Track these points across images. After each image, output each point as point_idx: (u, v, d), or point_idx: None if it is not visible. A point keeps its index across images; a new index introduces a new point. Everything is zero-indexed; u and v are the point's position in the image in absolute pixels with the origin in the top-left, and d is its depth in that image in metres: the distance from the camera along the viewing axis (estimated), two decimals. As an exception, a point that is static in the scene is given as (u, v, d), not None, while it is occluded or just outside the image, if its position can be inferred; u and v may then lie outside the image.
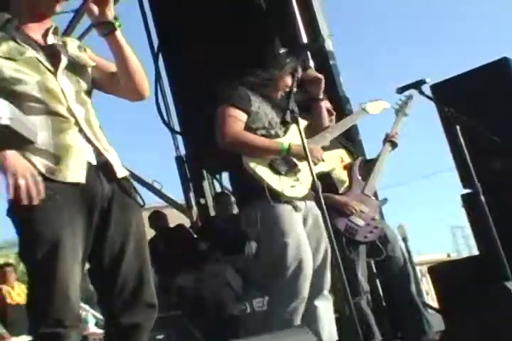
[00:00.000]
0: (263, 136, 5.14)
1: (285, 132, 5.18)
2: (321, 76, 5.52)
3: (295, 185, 5.04)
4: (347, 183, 6.05)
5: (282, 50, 5.49)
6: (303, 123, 5.12)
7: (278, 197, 4.96)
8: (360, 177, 6.13)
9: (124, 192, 3.55)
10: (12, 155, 3.16)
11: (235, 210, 10.25)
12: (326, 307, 5.18)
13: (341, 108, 8.38)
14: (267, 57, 5.56)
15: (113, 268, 3.44)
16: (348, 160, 6.20)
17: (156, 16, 11.65)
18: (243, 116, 5.11)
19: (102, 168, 3.49)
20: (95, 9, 3.43)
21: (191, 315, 8.09)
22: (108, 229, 3.44)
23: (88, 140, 3.47)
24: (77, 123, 3.45)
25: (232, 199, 10.61)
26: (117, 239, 3.46)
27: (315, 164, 5.07)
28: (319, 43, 8.46)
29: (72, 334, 3.23)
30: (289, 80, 5.25)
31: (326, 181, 5.63)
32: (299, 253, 4.91)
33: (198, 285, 8.63)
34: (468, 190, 7.50)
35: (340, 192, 5.96)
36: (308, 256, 4.95)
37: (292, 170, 5.08)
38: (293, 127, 5.03)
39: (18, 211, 3.27)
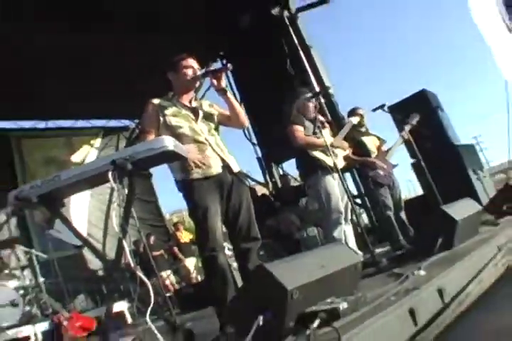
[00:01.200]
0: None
1: (321, 135, 5.27)
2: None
3: (336, 162, 5.18)
4: (376, 153, 6.23)
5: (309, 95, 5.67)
6: (327, 130, 5.57)
7: (331, 169, 5.21)
8: (383, 151, 6.35)
9: (238, 179, 3.77)
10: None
11: (292, 183, 10.44)
12: (350, 229, 5.35)
13: (340, 123, 8.50)
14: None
15: (234, 219, 3.67)
16: (377, 142, 6.41)
17: (237, 82, 11.65)
18: (301, 129, 5.36)
19: (226, 167, 3.71)
20: (215, 82, 3.71)
21: (275, 240, 8.21)
22: (231, 199, 3.68)
23: (217, 153, 3.71)
24: (210, 146, 3.70)
25: (289, 177, 10.87)
26: (236, 204, 3.69)
27: (344, 150, 5.64)
28: (326, 90, 8.61)
29: (221, 255, 3.52)
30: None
31: (365, 152, 6.20)
32: (337, 203, 5.16)
33: (277, 224, 8.75)
34: (413, 160, 7.63)
35: (372, 157, 6.16)
36: (340, 204, 5.20)
37: (333, 154, 5.22)
38: (324, 132, 5.26)
39: (185, 191, 3.65)
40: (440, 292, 2.88)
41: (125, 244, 2.82)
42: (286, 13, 10.63)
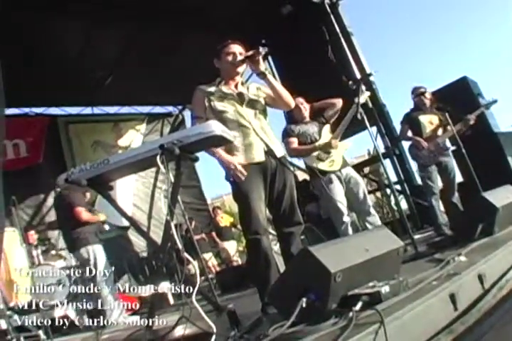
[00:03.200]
0: (308, 143, 5.45)
1: (320, 135, 5.45)
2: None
3: (332, 164, 5.30)
4: (428, 134, 6.25)
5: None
6: (326, 128, 5.57)
7: (324, 172, 5.27)
8: (439, 134, 6.28)
9: (282, 164, 3.76)
10: (223, 154, 3.59)
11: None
12: (374, 220, 5.30)
13: (382, 111, 8.50)
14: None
15: (278, 204, 3.69)
16: (436, 121, 6.35)
17: (279, 69, 11.72)
18: (293, 140, 5.45)
19: (270, 151, 3.71)
20: (253, 67, 3.74)
21: (315, 225, 8.18)
22: (275, 184, 3.69)
23: (261, 138, 3.71)
24: (254, 130, 3.70)
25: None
26: (279, 189, 3.70)
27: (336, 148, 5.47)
28: (367, 77, 8.54)
29: (264, 239, 3.53)
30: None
31: (417, 131, 6.27)
32: (336, 204, 5.20)
33: (317, 209, 8.73)
34: (454, 147, 7.54)
35: (423, 137, 6.19)
36: (340, 205, 5.23)
37: (328, 156, 5.34)
38: (324, 130, 5.48)
39: (229, 175, 3.61)
40: (480, 278, 2.88)
41: (172, 226, 2.86)
42: (327, 0, 10.48)
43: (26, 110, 11.71)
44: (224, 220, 11.93)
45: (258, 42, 11.75)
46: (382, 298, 2.39)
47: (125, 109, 13.32)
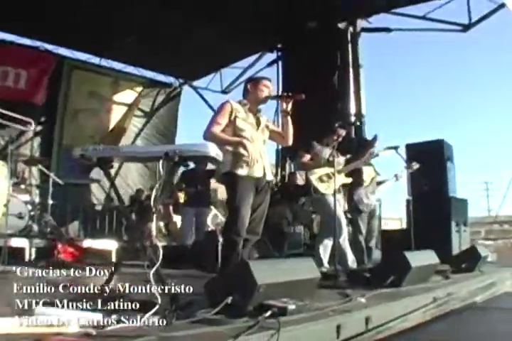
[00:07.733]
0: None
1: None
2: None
3: (327, 188, 6.03)
4: (367, 183, 7.01)
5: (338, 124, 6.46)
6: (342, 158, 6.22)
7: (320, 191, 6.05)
8: (375, 183, 7.12)
9: (268, 186, 4.62)
10: (229, 138, 4.46)
11: (298, 182, 10.79)
12: (344, 245, 6.06)
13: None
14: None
15: (252, 212, 4.42)
16: (372, 173, 7.14)
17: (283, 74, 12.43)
18: (309, 156, 6.28)
19: (264, 174, 4.53)
20: (284, 105, 4.56)
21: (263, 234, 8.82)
22: (257, 198, 4.47)
23: (262, 162, 4.53)
24: (259, 153, 4.50)
25: (298, 175, 11.03)
26: (257, 202, 4.48)
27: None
28: (360, 117, 9.16)
29: (240, 241, 4.32)
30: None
31: (358, 179, 6.80)
32: (331, 222, 5.81)
33: (271, 215, 9.31)
34: (410, 197, 8.32)
35: (363, 186, 6.95)
36: (341, 220, 5.96)
37: (329, 180, 6.04)
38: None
39: (230, 182, 4.42)
40: (367, 319, 3.55)
41: (155, 218, 3.62)
42: (350, 29, 11.20)
43: (38, 44, 12.10)
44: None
45: (274, 45, 12.42)
46: (288, 313, 3.11)
47: (129, 69, 13.88)
